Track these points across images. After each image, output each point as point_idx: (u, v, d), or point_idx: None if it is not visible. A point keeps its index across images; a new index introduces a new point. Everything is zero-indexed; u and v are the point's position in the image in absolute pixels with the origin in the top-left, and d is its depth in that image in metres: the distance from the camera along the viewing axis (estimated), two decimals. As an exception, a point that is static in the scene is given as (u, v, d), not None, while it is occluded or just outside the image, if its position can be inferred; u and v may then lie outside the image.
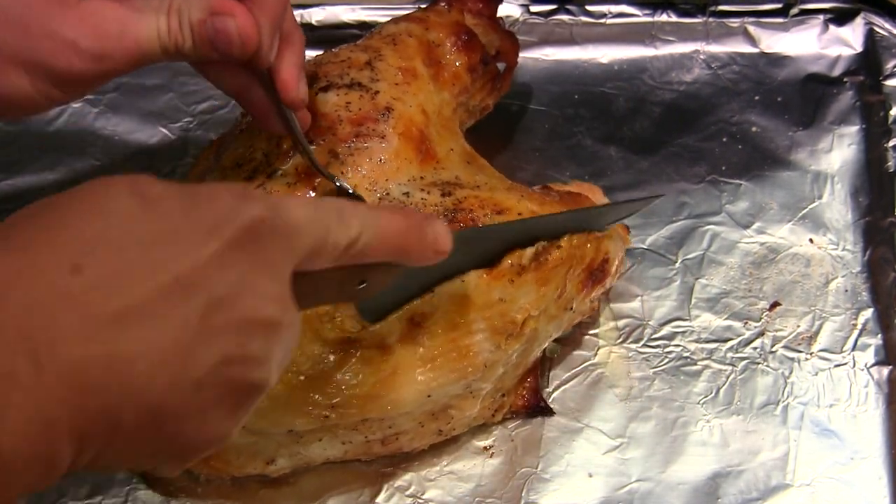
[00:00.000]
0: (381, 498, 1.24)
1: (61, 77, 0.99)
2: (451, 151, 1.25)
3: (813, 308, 1.36)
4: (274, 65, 1.08)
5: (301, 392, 1.11)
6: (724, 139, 1.50)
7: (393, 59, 1.27)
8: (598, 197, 1.35)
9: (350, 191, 1.14)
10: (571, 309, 1.24)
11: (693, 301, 1.37)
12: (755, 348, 1.33)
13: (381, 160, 1.18)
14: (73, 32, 0.97)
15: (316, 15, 1.58)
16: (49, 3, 0.97)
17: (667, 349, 1.33)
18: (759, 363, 1.32)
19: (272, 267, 0.76)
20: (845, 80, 1.54)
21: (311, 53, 1.24)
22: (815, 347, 1.33)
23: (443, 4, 1.38)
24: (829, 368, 1.31)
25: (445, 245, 0.94)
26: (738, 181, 1.46)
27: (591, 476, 1.25)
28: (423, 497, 1.24)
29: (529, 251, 1.15)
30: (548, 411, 1.27)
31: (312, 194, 1.15)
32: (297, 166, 1.17)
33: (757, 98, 1.53)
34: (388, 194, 1.16)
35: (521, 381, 1.25)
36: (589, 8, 1.60)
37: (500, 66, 1.42)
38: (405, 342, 1.12)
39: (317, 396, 1.10)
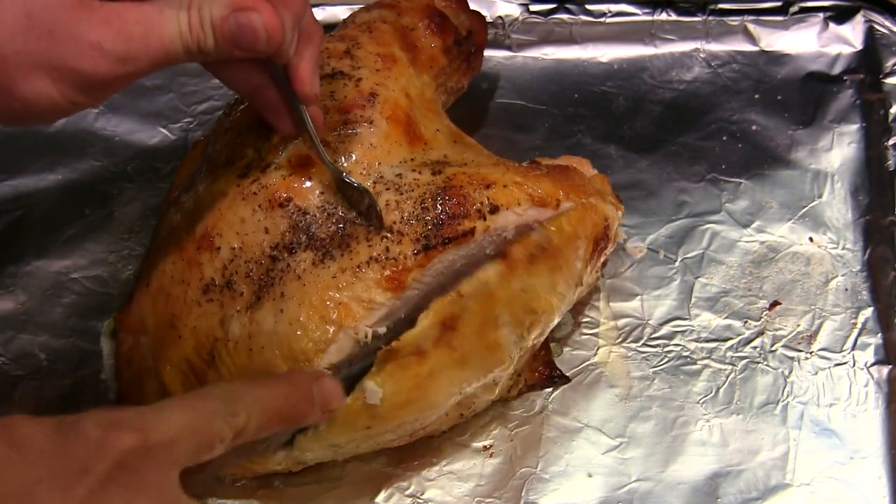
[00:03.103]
0: (380, 497, 1.24)
1: (87, 81, 0.97)
2: (437, 132, 1.26)
3: (813, 307, 1.36)
4: (292, 60, 1.08)
5: (344, 410, 1.12)
6: (724, 138, 1.50)
7: (370, 46, 1.29)
8: (587, 169, 1.35)
9: (356, 184, 1.14)
10: (581, 284, 1.25)
11: (693, 300, 1.37)
12: (755, 347, 1.33)
13: (371, 145, 1.19)
14: (98, 35, 0.96)
15: (316, 15, 1.57)
16: (72, 6, 0.96)
17: (666, 349, 1.33)
18: (758, 362, 1.32)
19: (151, 487, 0.78)
20: (845, 78, 1.54)
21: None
22: (815, 346, 1.33)
23: None
24: (829, 368, 1.31)
25: (335, 402, 1.03)
26: (737, 180, 1.46)
27: (590, 476, 1.25)
28: (423, 497, 1.24)
29: (534, 237, 1.17)
30: (563, 379, 1.27)
31: (309, 184, 1.16)
32: (290, 158, 1.18)
33: (757, 96, 1.53)
34: (381, 177, 1.17)
35: (534, 356, 1.26)
36: (589, 7, 1.59)
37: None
38: (439, 346, 1.13)
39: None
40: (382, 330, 1.14)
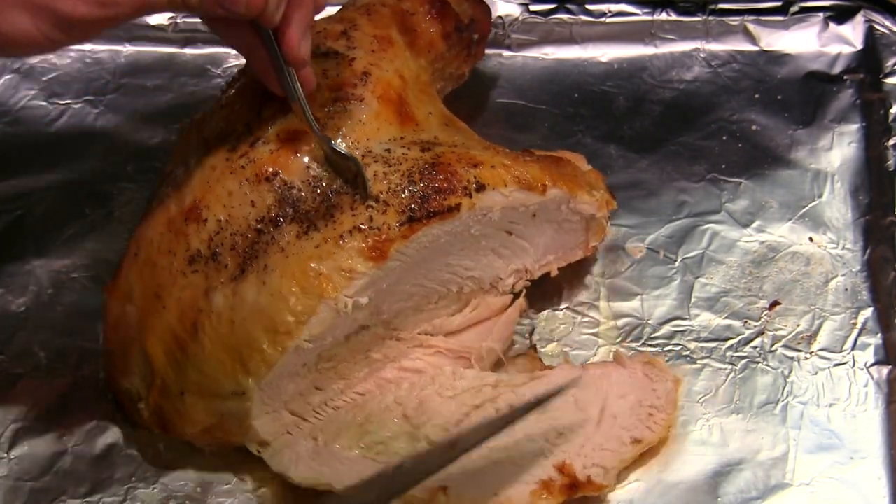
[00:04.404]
0: (380, 497, 1.24)
1: (65, 20, 0.99)
2: (429, 115, 1.27)
3: (813, 307, 1.36)
4: (280, 24, 1.10)
5: None
6: (724, 137, 1.50)
7: (368, 27, 1.30)
8: (582, 164, 1.35)
9: (343, 151, 1.16)
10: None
11: (693, 300, 1.37)
12: (755, 347, 1.33)
13: (361, 121, 1.20)
14: None
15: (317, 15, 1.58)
16: None
17: (666, 348, 1.33)
18: (758, 362, 1.32)
19: None
20: (845, 77, 1.54)
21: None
22: (815, 347, 1.33)
23: None
24: (829, 368, 1.31)
25: None
26: (737, 179, 1.46)
27: (590, 475, 1.25)
28: (423, 496, 1.24)
29: None
30: None
31: (296, 158, 1.17)
32: (279, 133, 1.19)
33: (757, 96, 1.53)
34: (370, 151, 1.18)
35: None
36: (589, 7, 1.60)
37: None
38: None
39: None
40: (364, 300, 1.14)
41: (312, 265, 1.12)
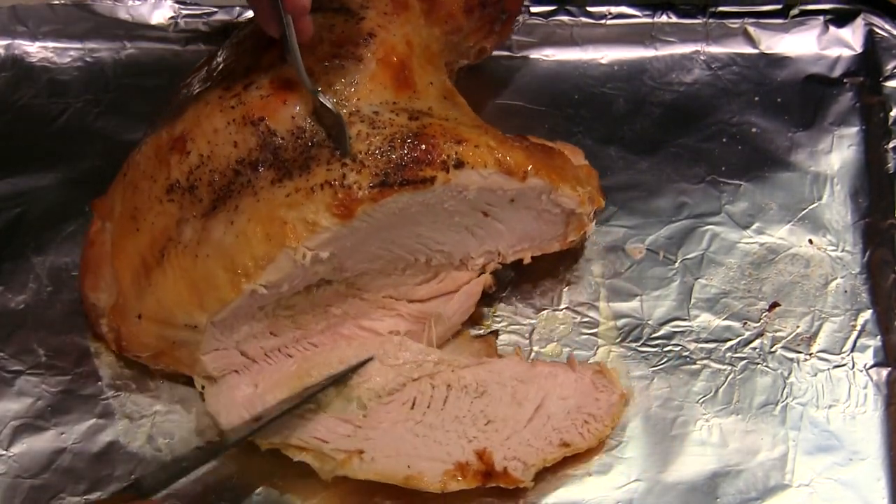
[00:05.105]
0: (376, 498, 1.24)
1: None
2: (430, 85, 1.27)
3: (812, 309, 1.36)
4: None
5: None
6: (724, 140, 1.50)
7: None
8: (578, 158, 1.35)
9: (328, 104, 1.16)
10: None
11: (692, 301, 1.37)
12: (754, 348, 1.33)
13: (355, 81, 1.21)
14: None
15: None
16: None
17: (666, 349, 1.33)
18: (758, 363, 1.32)
19: None
20: (845, 81, 1.54)
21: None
22: (815, 348, 1.33)
23: None
24: (829, 369, 1.31)
25: None
26: (737, 182, 1.46)
27: (590, 475, 1.25)
28: (422, 496, 1.24)
29: None
30: None
31: (284, 106, 1.18)
32: (273, 80, 1.20)
33: (757, 99, 1.53)
34: (358, 111, 1.19)
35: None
36: (589, 9, 1.60)
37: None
38: None
39: None
40: (325, 255, 1.15)
41: (280, 213, 1.13)
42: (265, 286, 1.14)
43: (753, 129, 1.51)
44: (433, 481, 1.18)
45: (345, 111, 1.18)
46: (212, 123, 1.19)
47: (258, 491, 1.25)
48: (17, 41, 1.59)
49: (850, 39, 1.56)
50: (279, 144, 1.16)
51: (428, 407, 1.23)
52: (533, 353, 1.34)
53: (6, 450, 1.26)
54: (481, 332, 1.35)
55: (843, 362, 1.32)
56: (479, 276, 1.32)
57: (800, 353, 1.33)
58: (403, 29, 1.27)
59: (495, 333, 1.34)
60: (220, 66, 1.27)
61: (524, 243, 1.31)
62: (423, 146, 1.16)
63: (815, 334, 1.34)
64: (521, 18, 1.60)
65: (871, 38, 1.55)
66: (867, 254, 1.39)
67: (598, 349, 1.33)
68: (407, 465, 1.19)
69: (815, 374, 1.31)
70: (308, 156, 1.15)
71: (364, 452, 1.19)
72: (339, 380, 1.22)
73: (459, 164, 1.16)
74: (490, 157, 1.18)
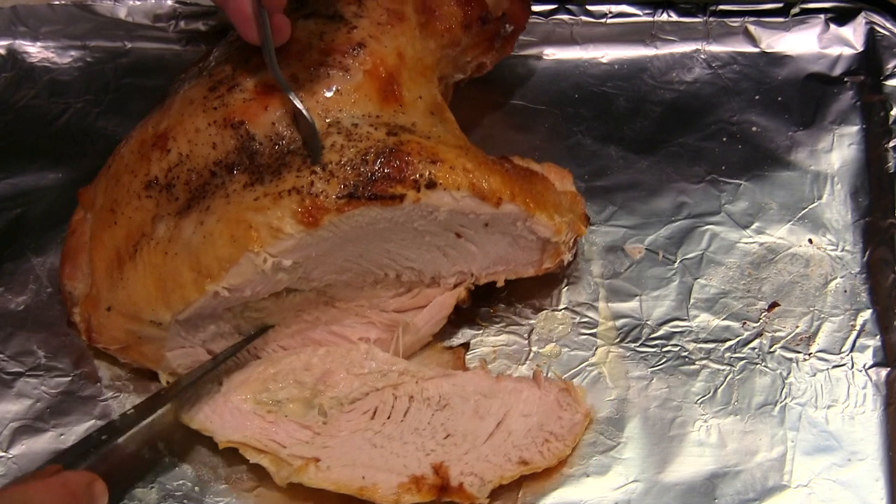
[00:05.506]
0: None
1: None
2: (418, 99, 1.26)
3: (812, 309, 1.36)
4: None
5: None
6: (724, 139, 1.50)
7: None
8: (566, 183, 1.34)
9: (304, 111, 1.15)
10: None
11: (692, 301, 1.37)
12: (753, 348, 1.33)
13: (338, 90, 1.20)
14: None
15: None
16: None
17: (665, 349, 1.33)
18: (757, 363, 1.32)
19: None
20: (846, 79, 1.54)
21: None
22: (814, 348, 1.33)
23: None
24: (828, 369, 1.31)
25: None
26: (737, 181, 1.46)
27: (588, 476, 1.25)
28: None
29: None
30: None
31: (265, 112, 1.18)
32: (257, 84, 1.20)
33: (757, 98, 1.53)
34: (337, 121, 1.18)
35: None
36: (589, 8, 1.59)
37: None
38: None
39: None
40: (287, 263, 1.15)
41: (247, 216, 1.13)
42: (227, 289, 1.14)
43: (754, 128, 1.50)
44: (387, 493, 1.17)
45: (326, 120, 1.17)
46: (194, 123, 1.20)
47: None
48: (18, 41, 1.59)
49: (850, 38, 1.56)
50: (256, 149, 1.16)
51: (388, 417, 1.22)
52: (532, 354, 1.34)
53: (6, 451, 1.26)
54: (451, 343, 1.34)
55: (843, 362, 1.31)
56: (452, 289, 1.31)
57: (799, 353, 1.32)
58: (397, 41, 1.26)
59: (465, 346, 1.33)
60: (211, 65, 1.27)
61: (498, 266, 1.30)
62: (397, 163, 1.14)
63: (815, 334, 1.34)
64: (520, 17, 1.60)
65: (871, 36, 1.55)
66: (867, 253, 1.39)
67: (596, 349, 1.33)
68: (362, 475, 1.18)
69: (814, 375, 1.31)
70: (282, 162, 1.15)
71: (320, 461, 1.19)
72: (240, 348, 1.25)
73: (431, 185, 1.15)
74: (464, 179, 1.16)
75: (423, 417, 1.22)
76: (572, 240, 1.29)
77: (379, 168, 1.14)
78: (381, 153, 1.15)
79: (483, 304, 1.36)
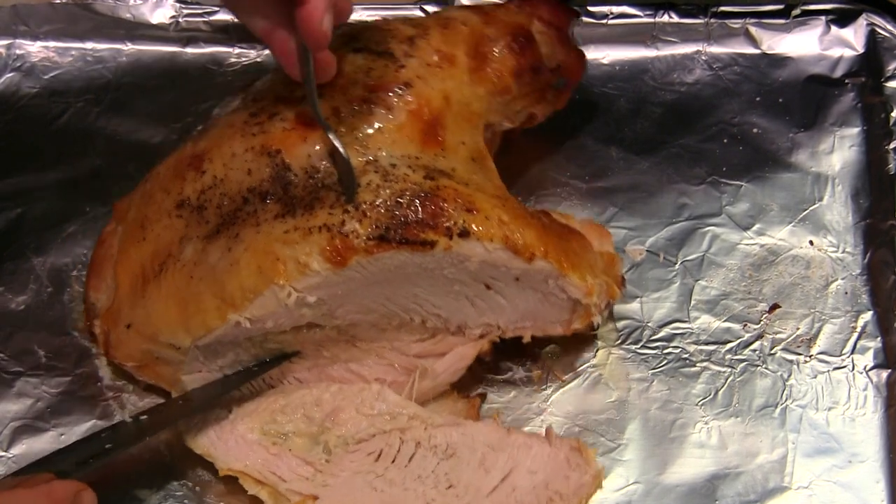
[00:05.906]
0: None
1: None
2: (461, 144, 1.24)
3: (812, 310, 1.36)
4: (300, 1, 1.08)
5: None
6: (725, 140, 1.49)
7: (436, 40, 1.28)
8: (604, 243, 1.32)
9: (340, 148, 1.15)
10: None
11: (692, 303, 1.37)
12: (754, 350, 1.33)
13: (380, 129, 1.19)
14: None
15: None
16: None
17: (666, 351, 1.33)
18: (757, 365, 1.32)
19: None
20: (847, 81, 1.54)
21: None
22: (815, 350, 1.33)
23: (515, 4, 1.37)
24: (828, 371, 1.31)
25: None
26: (738, 182, 1.46)
27: (588, 477, 1.25)
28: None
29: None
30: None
31: (303, 143, 1.17)
32: (298, 114, 1.19)
33: (758, 99, 1.53)
34: (375, 160, 1.17)
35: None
36: (590, 8, 1.59)
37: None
38: None
39: None
40: (312, 299, 1.14)
41: (275, 248, 1.12)
42: (249, 319, 1.13)
43: (754, 130, 1.50)
44: None
45: (363, 158, 1.16)
46: (231, 147, 1.19)
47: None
48: (18, 40, 1.59)
49: (851, 40, 1.56)
50: (290, 180, 1.16)
51: (392, 461, 1.20)
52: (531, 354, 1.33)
53: (6, 451, 1.26)
54: (469, 393, 1.31)
55: (843, 364, 1.32)
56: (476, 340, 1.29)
57: (799, 354, 1.32)
58: (444, 83, 1.24)
59: (482, 396, 1.30)
60: (256, 91, 1.27)
61: (526, 321, 1.27)
62: (431, 208, 1.13)
63: (815, 336, 1.34)
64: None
65: (872, 38, 1.55)
66: (868, 255, 1.39)
67: (597, 351, 1.33)
68: None
69: (815, 376, 1.31)
70: (315, 196, 1.14)
71: (318, 499, 1.17)
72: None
73: (464, 234, 1.13)
74: (499, 231, 1.15)
75: (427, 465, 1.20)
76: (604, 303, 1.26)
77: (412, 212, 1.12)
78: (417, 196, 1.14)
79: (504, 358, 1.33)
